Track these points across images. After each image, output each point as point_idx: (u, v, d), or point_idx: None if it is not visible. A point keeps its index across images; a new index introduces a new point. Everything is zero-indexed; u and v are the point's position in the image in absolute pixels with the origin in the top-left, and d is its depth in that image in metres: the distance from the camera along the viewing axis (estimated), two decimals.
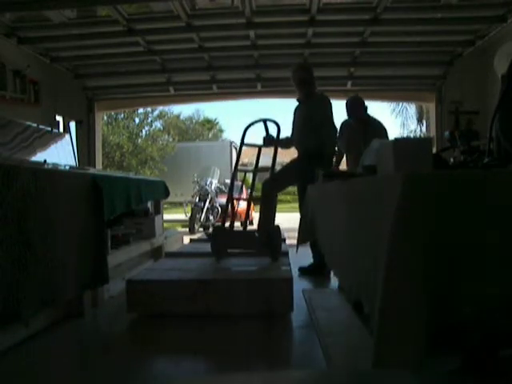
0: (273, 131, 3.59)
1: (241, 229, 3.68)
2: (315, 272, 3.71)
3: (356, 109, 4.15)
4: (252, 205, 11.23)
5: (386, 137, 4.17)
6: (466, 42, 5.44)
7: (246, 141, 3.53)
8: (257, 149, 3.73)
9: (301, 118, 3.81)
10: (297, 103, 4.02)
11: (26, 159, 3.65)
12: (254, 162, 3.80)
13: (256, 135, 3.74)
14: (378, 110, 32.93)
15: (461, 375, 1.27)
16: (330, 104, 3.79)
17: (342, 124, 4.24)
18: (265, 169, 3.63)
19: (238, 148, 3.66)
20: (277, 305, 2.60)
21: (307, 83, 3.82)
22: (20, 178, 2.03)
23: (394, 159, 1.33)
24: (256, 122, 3.57)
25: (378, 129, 4.11)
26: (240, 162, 3.71)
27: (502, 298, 1.07)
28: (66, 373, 1.93)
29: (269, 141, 3.61)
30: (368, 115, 4.22)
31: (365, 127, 4.01)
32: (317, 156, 3.65)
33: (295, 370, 1.80)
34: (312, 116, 3.71)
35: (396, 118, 18.96)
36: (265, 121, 3.52)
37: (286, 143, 3.90)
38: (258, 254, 3.33)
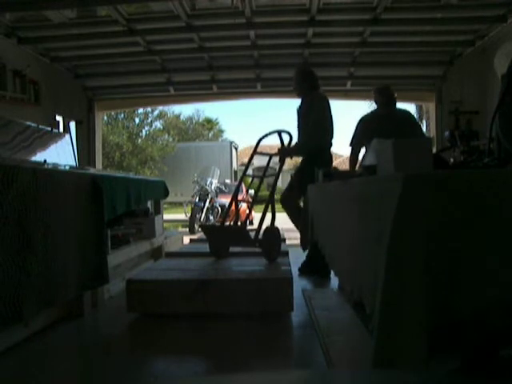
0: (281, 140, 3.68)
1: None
2: (315, 272, 3.71)
3: (390, 100, 3.99)
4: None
5: (421, 132, 4.09)
6: (466, 42, 5.43)
7: (250, 144, 3.62)
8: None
9: (299, 118, 3.85)
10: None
11: (26, 159, 3.65)
12: (255, 166, 3.86)
13: (257, 130, 3.80)
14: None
15: (461, 375, 1.27)
16: (326, 102, 3.79)
17: (362, 120, 4.05)
18: (273, 175, 3.69)
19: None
20: (277, 305, 2.60)
21: (300, 84, 3.88)
22: (20, 178, 2.03)
23: (394, 159, 1.33)
24: (270, 133, 3.66)
25: (410, 122, 3.99)
26: (240, 162, 3.75)
27: (502, 298, 1.07)
28: (66, 373, 1.93)
29: (284, 152, 3.67)
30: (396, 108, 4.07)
31: (392, 120, 3.86)
32: (315, 155, 3.69)
33: (295, 370, 1.80)
34: (308, 116, 3.73)
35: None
36: (279, 132, 3.59)
37: (300, 150, 3.88)
38: (248, 247, 3.36)
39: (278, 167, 3.65)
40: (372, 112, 4.23)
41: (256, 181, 4.05)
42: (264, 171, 3.74)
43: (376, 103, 4.11)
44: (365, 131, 3.81)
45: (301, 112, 3.84)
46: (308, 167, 3.62)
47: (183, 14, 4.54)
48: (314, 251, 3.56)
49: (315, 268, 3.72)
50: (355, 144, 3.95)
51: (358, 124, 4.03)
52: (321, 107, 3.75)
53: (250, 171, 4.84)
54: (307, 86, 3.86)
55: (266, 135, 3.67)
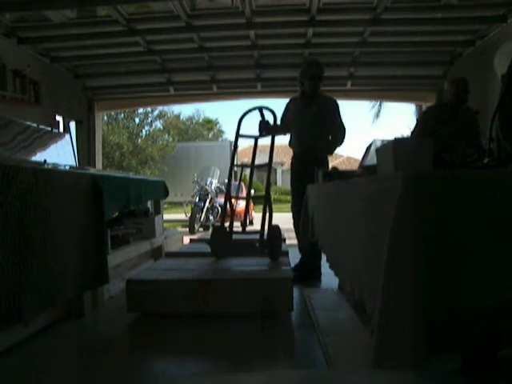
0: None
1: (241, 232, 3.67)
2: (307, 276, 3.66)
3: (464, 93, 3.71)
4: (252, 204, 11.27)
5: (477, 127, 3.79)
6: (466, 42, 5.43)
7: (250, 144, 3.48)
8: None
9: (312, 115, 3.71)
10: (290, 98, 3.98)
11: (26, 159, 3.65)
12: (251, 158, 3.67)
13: (252, 129, 3.67)
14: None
15: (461, 375, 1.27)
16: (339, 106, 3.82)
17: (427, 112, 3.84)
18: (263, 166, 3.57)
19: (238, 148, 3.59)
20: (277, 305, 2.60)
21: (320, 80, 3.73)
22: (20, 178, 2.03)
23: (394, 159, 1.33)
24: (251, 110, 3.44)
25: (469, 119, 3.76)
26: (240, 162, 3.69)
27: (502, 298, 1.07)
28: (66, 373, 1.93)
29: (265, 126, 3.43)
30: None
31: (458, 118, 3.66)
32: (325, 155, 3.75)
33: (295, 370, 1.80)
34: (327, 115, 3.69)
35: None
36: (260, 108, 3.39)
37: (283, 128, 3.78)
38: (259, 254, 3.34)
39: (270, 161, 3.43)
40: (440, 104, 3.98)
41: (255, 179, 3.98)
42: (252, 158, 3.53)
43: (448, 93, 3.80)
44: (428, 126, 3.60)
45: (320, 109, 3.71)
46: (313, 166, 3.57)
47: (183, 14, 4.54)
48: (310, 252, 3.58)
49: (307, 270, 3.69)
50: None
51: (422, 116, 3.82)
52: (339, 114, 3.78)
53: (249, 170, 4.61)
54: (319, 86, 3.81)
55: (247, 112, 3.44)
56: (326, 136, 3.73)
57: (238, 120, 3.45)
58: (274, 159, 3.75)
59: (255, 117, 3.49)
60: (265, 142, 3.63)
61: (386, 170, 1.43)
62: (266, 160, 3.36)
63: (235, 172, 18.15)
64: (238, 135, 3.47)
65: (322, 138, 3.70)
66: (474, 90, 5.59)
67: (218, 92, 6.92)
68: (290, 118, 3.82)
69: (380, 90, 6.97)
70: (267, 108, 3.41)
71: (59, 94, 5.73)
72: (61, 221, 2.39)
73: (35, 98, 5.00)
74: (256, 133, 3.52)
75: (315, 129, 3.66)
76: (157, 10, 4.71)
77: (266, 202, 3.26)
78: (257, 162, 3.62)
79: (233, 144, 3.74)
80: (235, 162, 3.68)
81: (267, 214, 3.28)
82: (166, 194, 4.92)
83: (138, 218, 4.20)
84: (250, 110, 3.45)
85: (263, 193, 3.34)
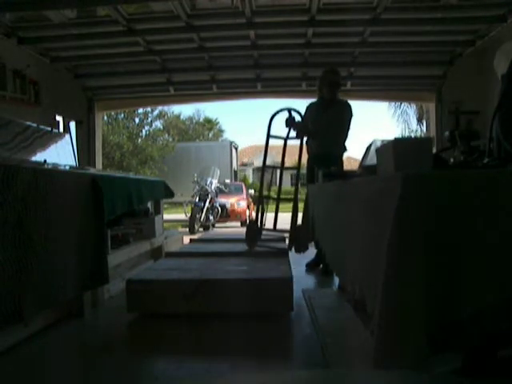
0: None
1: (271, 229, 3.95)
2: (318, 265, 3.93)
3: None
4: (252, 204, 11.33)
5: None
6: (466, 42, 5.43)
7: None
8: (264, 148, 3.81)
9: (332, 118, 3.89)
10: (307, 103, 4.20)
11: (26, 159, 3.65)
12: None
13: (274, 130, 3.86)
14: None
15: (461, 375, 1.27)
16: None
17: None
18: (293, 168, 3.79)
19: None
20: (277, 305, 2.60)
21: (338, 86, 4.00)
22: (20, 178, 2.03)
23: (394, 159, 1.33)
24: (280, 110, 3.75)
25: None
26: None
27: (503, 298, 1.07)
28: (66, 373, 1.93)
29: (292, 122, 3.74)
30: None
31: None
32: (339, 157, 3.96)
33: (295, 370, 1.80)
34: (346, 119, 3.94)
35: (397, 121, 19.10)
36: (289, 110, 3.74)
37: (314, 133, 3.95)
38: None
39: (280, 160, 3.77)
40: None
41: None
42: (282, 158, 3.79)
43: None
44: None
45: (339, 113, 3.92)
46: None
47: (183, 14, 4.53)
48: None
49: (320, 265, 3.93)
50: None
51: None
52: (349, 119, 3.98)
53: (250, 170, 4.87)
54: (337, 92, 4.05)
55: (276, 113, 3.76)
56: (340, 139, 3.97)
57: (268, 120, 3.82)
58: (274, 159, 3.90)
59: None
60: (274, 142, 3.97)
61: (386, 170, 1.43)
62: (271, 161, 3.60)
63: (235, 172, 18.23)
64: (268, 136, 3.76)
65: (337, 141, 3.93)
66: (474, 90, 5.60)
67: (218, 92, 6.91)
68: (308, 122, 4.00)
69: (380, 89, 6.97)
70: (295, 110, 3.77)
71: (59, 94, 5.72)
72: (61, 221, 2.39)
73: (35, 98, 5.00)
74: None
75: (331, 132, 3.85)
76: (157, 10, 4.71)
77: (295, 202, 3.72)
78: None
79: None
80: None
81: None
82: (171, 194, 4.93)
83: (137, 217, 4.20)
84: (279, 111, 3.79)
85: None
